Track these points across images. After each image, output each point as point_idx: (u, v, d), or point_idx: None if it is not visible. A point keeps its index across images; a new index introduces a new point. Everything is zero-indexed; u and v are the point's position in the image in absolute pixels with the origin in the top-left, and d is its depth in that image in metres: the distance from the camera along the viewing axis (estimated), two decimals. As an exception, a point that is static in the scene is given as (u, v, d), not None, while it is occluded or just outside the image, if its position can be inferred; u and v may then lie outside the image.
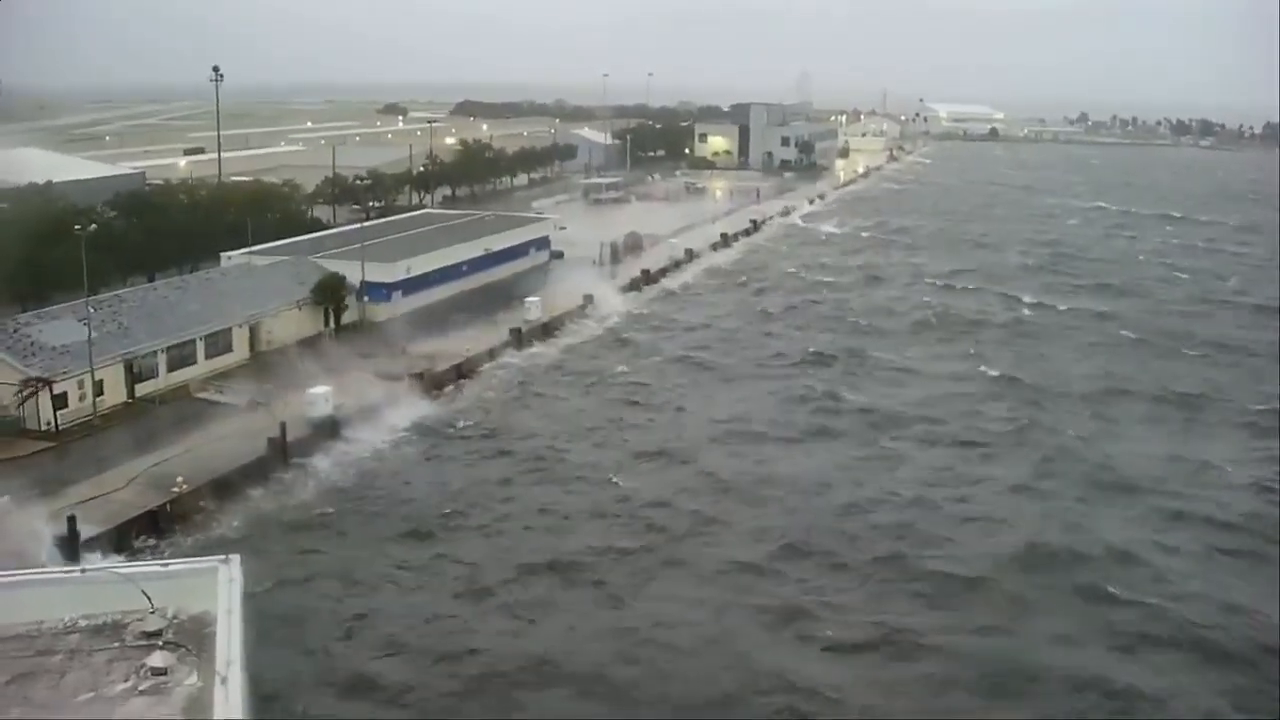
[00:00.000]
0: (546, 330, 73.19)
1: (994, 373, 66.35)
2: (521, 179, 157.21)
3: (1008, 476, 49.28)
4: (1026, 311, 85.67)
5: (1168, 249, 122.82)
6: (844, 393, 61.54)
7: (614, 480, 48.15)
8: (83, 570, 18.12)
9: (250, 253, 74.24)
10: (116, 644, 15.86)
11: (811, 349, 71.56)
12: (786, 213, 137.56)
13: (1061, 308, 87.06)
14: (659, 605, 36.94)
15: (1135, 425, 58.07)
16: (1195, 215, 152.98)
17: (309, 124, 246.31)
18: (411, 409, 56.11)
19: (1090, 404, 60.98)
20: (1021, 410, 58.55)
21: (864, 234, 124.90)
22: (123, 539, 39.82)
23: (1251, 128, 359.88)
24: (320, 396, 52.37)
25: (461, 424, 55.34)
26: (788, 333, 76.71)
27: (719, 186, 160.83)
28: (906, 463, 50.99)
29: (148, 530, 40.91)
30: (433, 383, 59.59)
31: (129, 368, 54.72)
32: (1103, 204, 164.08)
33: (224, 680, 14.12)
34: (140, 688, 14.82)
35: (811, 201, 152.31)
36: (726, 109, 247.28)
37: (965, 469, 50.34)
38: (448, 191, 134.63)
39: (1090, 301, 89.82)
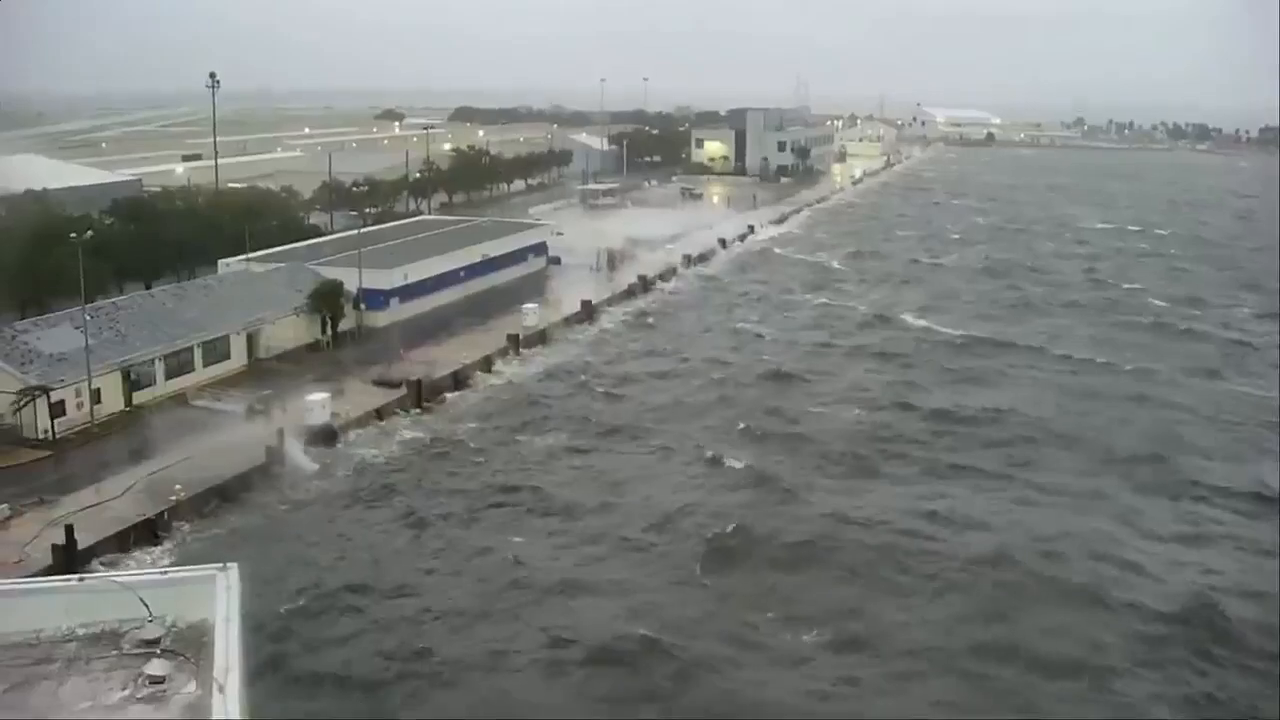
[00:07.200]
0: (543, 337, 73.17)
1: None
2: (518, 185, 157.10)
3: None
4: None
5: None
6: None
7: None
8: (80, 578, 18.03)
9: (248, 259, 74.19)
10: (114, 652, 15.82)
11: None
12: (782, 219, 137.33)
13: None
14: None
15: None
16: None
17: (306, 130, 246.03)
18: (406, 416, 56.12)
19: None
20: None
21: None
22: (120, 547, 39.77)
23: (1248, 132, 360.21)
24: (317, 404, 52.38)
25: (454, 433, 55.28)
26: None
27: (715, 192, 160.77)
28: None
29: (145, 538, 40.86)
30: (429, 390, 59.52)
31: (126, 375, 54.60)
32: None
33: (222, 688, 14.11)
34: (138, 696, 14.79)
35: (799, 211, 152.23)
36: (723, 114, 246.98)
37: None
38: (445, 198, 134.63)
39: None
